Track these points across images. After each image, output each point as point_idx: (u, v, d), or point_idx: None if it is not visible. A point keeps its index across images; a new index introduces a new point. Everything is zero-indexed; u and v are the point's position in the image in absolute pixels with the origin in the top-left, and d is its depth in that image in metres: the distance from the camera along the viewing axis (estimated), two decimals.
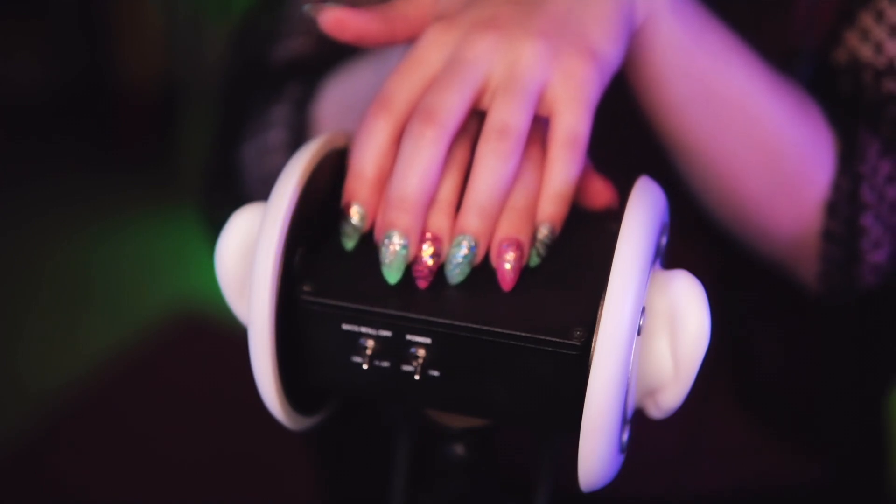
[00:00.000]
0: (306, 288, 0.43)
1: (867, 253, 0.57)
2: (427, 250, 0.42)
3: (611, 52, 0.44)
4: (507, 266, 0.42)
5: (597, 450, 0.40)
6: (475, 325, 0.41)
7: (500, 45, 0.43)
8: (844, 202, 0.56)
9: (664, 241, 0.44)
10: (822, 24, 0.60)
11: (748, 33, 0.52)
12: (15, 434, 1.56)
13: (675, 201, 0.47)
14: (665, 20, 0.48)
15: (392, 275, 0.42)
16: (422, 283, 0.42)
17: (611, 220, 0.44)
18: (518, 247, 0.42)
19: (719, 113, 0.52)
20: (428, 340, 0.42)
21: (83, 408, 1.62)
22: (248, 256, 0.45)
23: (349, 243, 0.44)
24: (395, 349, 0.42)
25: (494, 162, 0.42)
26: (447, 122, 0.42)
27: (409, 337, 0.42)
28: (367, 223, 0.44)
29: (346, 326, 0.43)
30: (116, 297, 1.89)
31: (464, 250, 0.42)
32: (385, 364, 0.43)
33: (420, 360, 0.42)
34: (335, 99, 0.62)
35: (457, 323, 0.41)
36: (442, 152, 0.42)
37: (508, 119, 0.42)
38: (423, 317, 0.41)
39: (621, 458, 0.42)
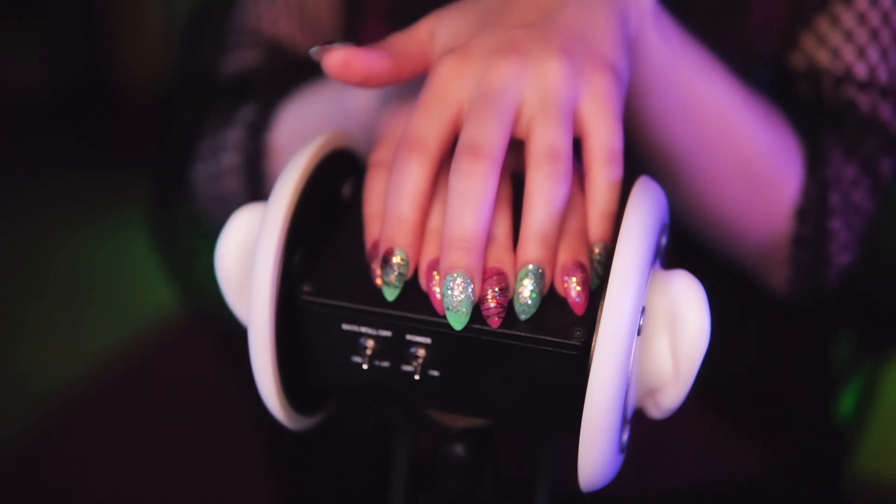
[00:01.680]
0: (306, 288, 0.43)
1: (835, 256, 0.57)
2: (494, 287, 0.41)
3: (623, 65, 0.44)
4: (577, 290, 0.41)
5: (597, 450, 0.40)
6: (475, 326, 0.41)
7: (525, 69, 0.42)
8: (813, 207, 0.56)
9: (664, 241, 0.44)
10: (778, 27, 0.61)
11: (707, 40, 0.53)
12: (16, 433, 1.56)
13: None
14: (650, 35, 0.48)
15: (460, 320, 0.40)
16: (495, 322, 0.41)
17: None
18: (583, 270, 0.41)
19: (699, 123, 0.52)
20: (428, 340, 0.42)
21: (84, 407, 1.62)
22: (248, 256, 0.45)
23: (392, 293, 0.42)
24: (395, 349, 0.42)
25: (550, 186, 0.41)
26: (495, 153, 0.40)
27: (409, 337, 0.42)
28: (411, 269, 0.42)
29: (346, 326, 0.43)
30: (117, 297, 1.89)
31: (531, 283, 0.41)
32: (385, 364, 0.43)
33: (420, 360, 0.42)
34: (291, 125, 0.61)
35: None
36: (494, 186, 0.40)
37: (554, 142, 0.41)
38: (423, 317, 0.41)
39: (621, 458, 0.43)
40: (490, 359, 0.41)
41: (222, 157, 0.63)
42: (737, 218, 0.56)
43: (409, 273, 0.42)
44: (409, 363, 0.42)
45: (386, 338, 0.42)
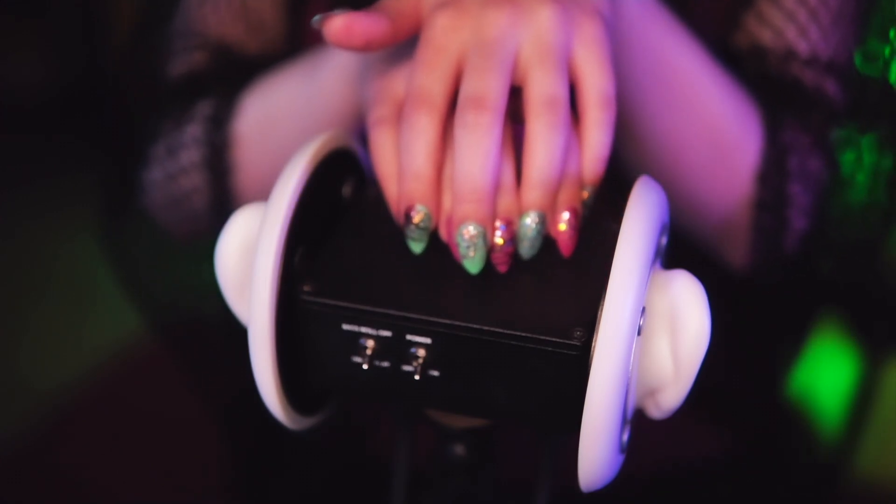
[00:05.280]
0: (306, 288, 0.43)
1: (793, 220, 0.59)
2: (503, 236, 0.42)
3: (610, 14, 0.45)
4: (569, 232, 0.43)
5: (597, 450, 0.40)
6: (475, 325, 0.41)
7: (519, 18, 0.43)
8: (773, 171, 0.58)
9: (664, 241, 0.44)
10: (721, 9, 0.62)
11: None
12: (20, 431, 1.56)
13: None
14: None
15: (475, 266, 0.42)
16: (503, 268, 0.43)
17: (611, 220, 0.44)
18: (575, 213, 0.43)
19: (668, 88, 0.54)
20: (428, 340, 0.42)
21: (86, 406, 1.61)
22: (248, 256, 0.45)
23: (419, 246, 0.43)
24: (396, 349, 0.42)
25: (550, 134, 0.42)
26: (497, 105, 0.42)
27: (409, 337, 0.42)
28: (433, 222, 0.43)
29: (346, 326, 0.43)
30: (118, 297, 1.89)
31: (534, 226, 0.42)
32: (385, 364, 0.43)
33: (420, 360, 0.42)
34: (257, 112, 0.61)
35: (457, 323, 0.41)
36: (499, 136, 0.42)
37: (552, 90, 0.42)
38: (423, 317, 0.41)
39: (621, 458, 0.43)
40: (490, 359, 0.41)
41: (181, 154, 0.63)
42: (701, 182, 0.58)
43: (433, 226, 0.43)
44: (409, 363, 0.42)
45: (386, 338, 0.42)
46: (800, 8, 0.60)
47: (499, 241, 0.42)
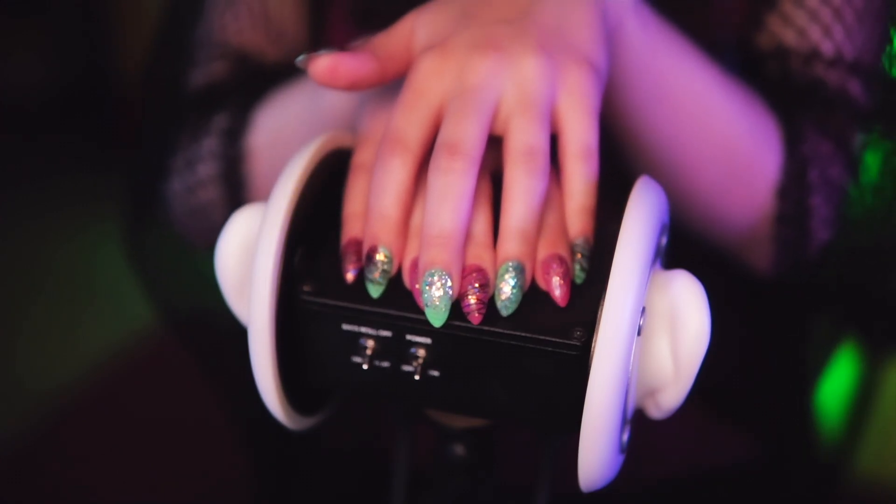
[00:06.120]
0: (306, 288, 0.43)
1: (816, 231, 0.58)
2: (473, 284, 0.41)
3: (602, 59, 0.44)
4: (559, 282, 0.41)
5: (597, 450, 0.40)
6: (475, 325, 0.41)
7: (503, 66, 0.42)
8: (793, 185, 0.57)
9: (664, 241, 0.44)
10: (740, 11, 0.61)
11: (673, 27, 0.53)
12: (20, 431, 1.57)
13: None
14: (630, 26, 0.48)
15: (439, 317, 0.40)
16: (475, 318, 0.41)
17: (611, 221, 0.44)
18: (563, 262, 0.42)
19: (679, 111, 0.53)
20: (428, 340, 0.42)
21: (84, 407, 1.62)
22: (248, 256, 0.45)
23: (377, 290, 0.42)
24: (395, 349, 0.42)
25: (528, 183, 0.41)
26: (473, 152, 0.41)
27: (409, 337, 0.42)
28: (395, 266, 0.42)
29: (346, 326, 0.43)
30: (117, 297, 1.89)
31: (512, 279, 0.41)
32: (385, 364, 0.43)
33: (420, 360, 0.42)
34: (268, 127, 0.61)
35: (457, 323, 0.41)
36: (473, 183, 0.41)
37: (532, 140, 0.42)
38: (424, 317, 0.41)
39: (621, 458, 0.43)
40: (490, 359, 0.41)
41: (199, 167, 0.63)
42: (719, 201, 0.57)
43: (393, 270, 0.42)
44: (409, 363, 0.42)
45: (386, 338, 0.42)
46: (823, 7, 0.60)
47: (469, 288, 0.41)
